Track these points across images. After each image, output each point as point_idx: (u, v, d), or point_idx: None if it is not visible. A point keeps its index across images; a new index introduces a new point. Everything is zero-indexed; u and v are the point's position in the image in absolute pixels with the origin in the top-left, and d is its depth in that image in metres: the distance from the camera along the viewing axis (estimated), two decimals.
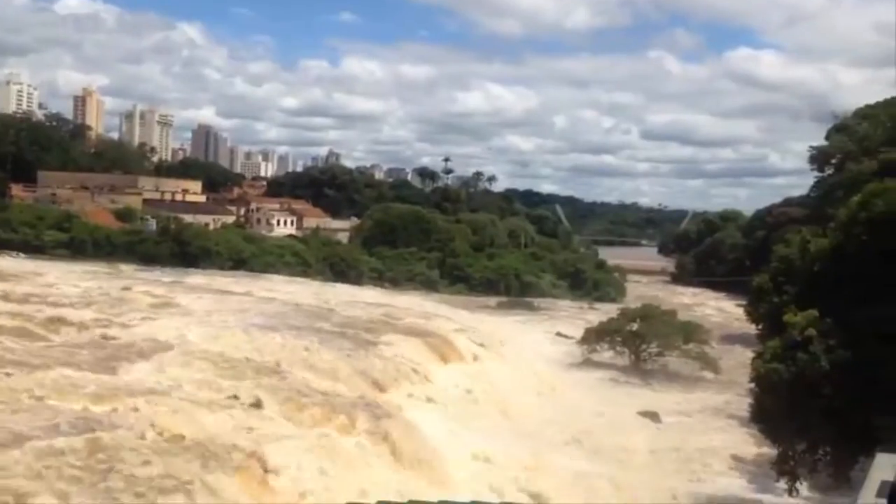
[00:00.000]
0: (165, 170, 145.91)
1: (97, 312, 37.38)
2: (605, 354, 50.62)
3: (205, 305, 43.62)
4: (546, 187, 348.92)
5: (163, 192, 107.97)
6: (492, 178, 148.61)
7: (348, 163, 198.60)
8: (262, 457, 20.37)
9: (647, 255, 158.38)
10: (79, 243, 75.77)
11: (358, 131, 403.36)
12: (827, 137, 65.05)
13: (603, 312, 63.56)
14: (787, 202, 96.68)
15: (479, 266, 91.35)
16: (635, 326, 50.17)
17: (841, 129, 62.36)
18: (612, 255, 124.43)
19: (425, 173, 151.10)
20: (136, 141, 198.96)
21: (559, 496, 24.02)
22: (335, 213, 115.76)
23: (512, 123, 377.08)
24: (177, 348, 30.01)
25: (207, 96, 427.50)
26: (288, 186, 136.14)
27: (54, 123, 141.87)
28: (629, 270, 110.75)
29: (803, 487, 24.35)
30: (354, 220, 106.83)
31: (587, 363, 49.84)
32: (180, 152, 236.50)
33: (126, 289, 47.80)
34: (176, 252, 77.05)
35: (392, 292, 74.05)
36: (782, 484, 24.60)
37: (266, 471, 19.98)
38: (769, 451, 26.43)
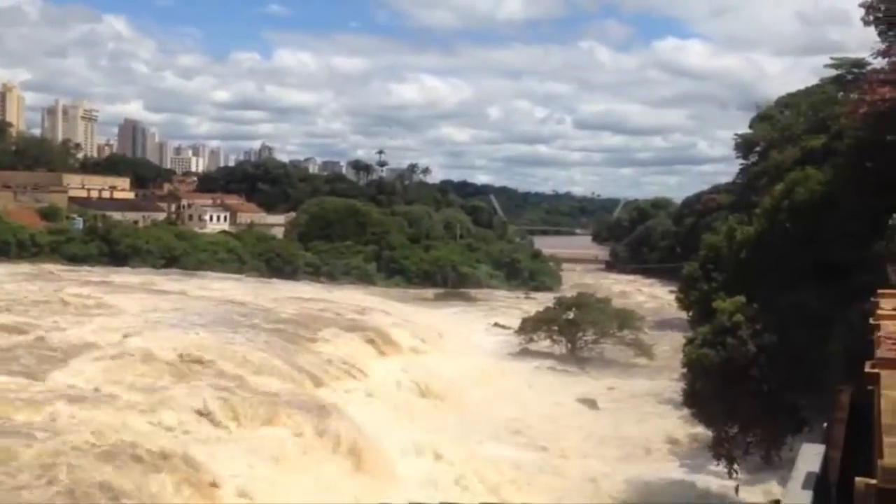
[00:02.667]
0: (91, 166, 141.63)
1: (24, 316, 36.25)
2: (542, 343, 51.20)
3: (137, 306, 42.65)
4: (481, 178, 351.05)
5: (89, 190, 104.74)
6: (426, 170, 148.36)
7: (282, 156, 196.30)
8: (199, 460, 20.11)
9: (581, 244, 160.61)
10: (2, 245, 73.19)
11: (292, 124, 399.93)
12: (750, 126, 66.61)
13: (539, 302, 64.24)
14: (715, 189, 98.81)
15: (415, 258, 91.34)
16: (571, 315, 50.82)
17: (764, 117, 63.92)
18: (547, 245, 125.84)
19: (360, 166, 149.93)
20: (60, 137, 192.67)
21: (501, 488, 24.27)
22: (269, 208, 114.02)
23: (446, 115, 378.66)
24: (108, 351, 29.30)
25: (135, 90, 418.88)
26: (220, 182, 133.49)
27: None
28: (564, 259, 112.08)
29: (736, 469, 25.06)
30: (290, 215, 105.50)
31: (524, 353, 50.34)
32: (106, 148, 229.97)
33: (54, 291, 46.42)
34: (105, 251, 75.15)
35: (329, 287, 73.59)
36: (714, 466, 25.35)
37: (204, 474, 19.74)
38: (702, 434, 27.15)
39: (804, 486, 3.85)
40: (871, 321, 6.92)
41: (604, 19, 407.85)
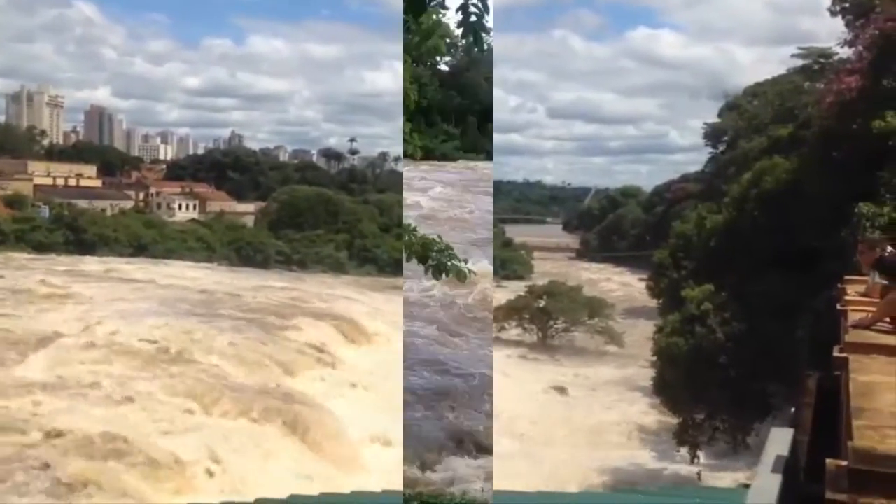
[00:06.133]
0: (57, 153, 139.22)
1: None
2: (513, 332, 51.36)
3: (104, 294, 42.16)
4: None
5: (55, 178, 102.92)
6: (398, 158, 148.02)
7: (252, 144, 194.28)
8: (167, 448, 19.95)
9: (552, 233, 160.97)
10: None
11: (263, 112, 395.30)
12: (719, 115, 67.14)
13: (510, 290, 64.29)
14: (685, 178, 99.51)
15: (387, 247, 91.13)
16: (542, 303, 51.02)
17: (732, 106, 64.42)
18: (518, 233, 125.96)
19: (331, 154, 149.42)
20: (25, 124, 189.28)
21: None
22: (239, 197, 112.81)
23: None
24: (73, 341, 28.96)
25: (104, 76, 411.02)
26: (189, 170, 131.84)
27: None
28: (535, 248, 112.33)
29: (701, 455, 25.38)
30: (260, 204, 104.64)
31: (496, 341, 50.22)
32: (72, 135, 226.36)
33: (19, 280, 45.69)
34: (71, 240, 74.13)
35: (300, 275, 73.25)
36: (683, 453, 25.64)
37: (172, 462, 19.58)
38: (671, 421, 27.41)
39: (774, 469, 3.86)
40: (838, 307, 6.97)
41: (577, 8, 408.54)
